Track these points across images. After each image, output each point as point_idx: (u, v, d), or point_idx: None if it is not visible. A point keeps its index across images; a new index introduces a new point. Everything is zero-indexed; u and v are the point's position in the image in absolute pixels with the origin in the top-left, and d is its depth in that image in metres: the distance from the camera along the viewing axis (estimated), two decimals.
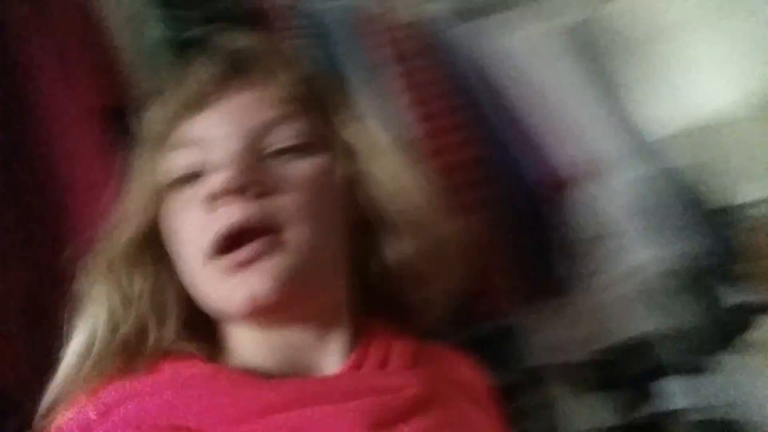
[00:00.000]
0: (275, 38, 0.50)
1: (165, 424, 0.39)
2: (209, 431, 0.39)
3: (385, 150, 0.48)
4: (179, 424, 0.39)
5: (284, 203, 0.41)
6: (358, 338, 0.46)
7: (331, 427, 0.40)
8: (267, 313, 0.41)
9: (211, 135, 0.43)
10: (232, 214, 0.40)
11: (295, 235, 0.41)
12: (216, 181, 0.40)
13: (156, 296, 0.45)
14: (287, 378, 0.43)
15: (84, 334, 0.44)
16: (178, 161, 0.44)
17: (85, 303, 0.45)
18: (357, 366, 0.44)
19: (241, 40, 0.48)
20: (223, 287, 0.41)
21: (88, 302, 0.45)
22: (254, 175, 0.41)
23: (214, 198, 0.40)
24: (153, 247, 0.45)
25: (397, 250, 0.47)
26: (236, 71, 0.46)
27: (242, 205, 0.40)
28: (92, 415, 0.39)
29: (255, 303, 0.40)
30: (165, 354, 0.43)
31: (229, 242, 0.40)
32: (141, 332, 0.43)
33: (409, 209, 0.46)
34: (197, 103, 0.45)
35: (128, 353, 0.43)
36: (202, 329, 0.46)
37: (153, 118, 0.48)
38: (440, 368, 0.49)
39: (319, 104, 0.47)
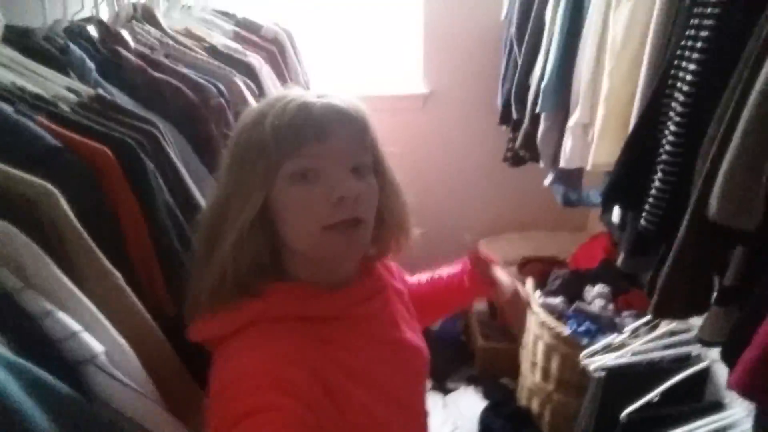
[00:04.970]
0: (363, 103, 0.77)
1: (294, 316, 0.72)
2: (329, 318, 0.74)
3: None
4: (305, 315, 0.73)
5: (365, 208, 0.74)
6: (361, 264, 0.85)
7: (388, 310, 0.85)
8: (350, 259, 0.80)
9: (329, 159, 0.71)
10: (352, 212, 0.72)
11: (369, 222, 0.76)
12: (343, 191, 0.70)
13: (262, 247, 0.73)
14: (335, 290, 0.77)
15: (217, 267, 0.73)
16: (298, 165, 0.71)
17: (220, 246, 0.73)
18: (366, 278, 0.84)
19: (350, 100, 0.76)
20: (331, 242, 0.72)
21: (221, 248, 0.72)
22: (358, 190, 0.72)
23: (341, 201, 0.70)
24: (263, 216, 0.72)
25: (392, 217, 0.82)
26: (342, 119, 0.73)
27: (354, 207, 0.72)
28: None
29: (351, 252, 0.76)
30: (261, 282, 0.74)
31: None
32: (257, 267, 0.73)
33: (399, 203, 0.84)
34: (320, 135, 0.71)
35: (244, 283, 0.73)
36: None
37: (281, 134, 0.71)
38: (389, 275, 0.93)
39: (373, 144, 0.78)
